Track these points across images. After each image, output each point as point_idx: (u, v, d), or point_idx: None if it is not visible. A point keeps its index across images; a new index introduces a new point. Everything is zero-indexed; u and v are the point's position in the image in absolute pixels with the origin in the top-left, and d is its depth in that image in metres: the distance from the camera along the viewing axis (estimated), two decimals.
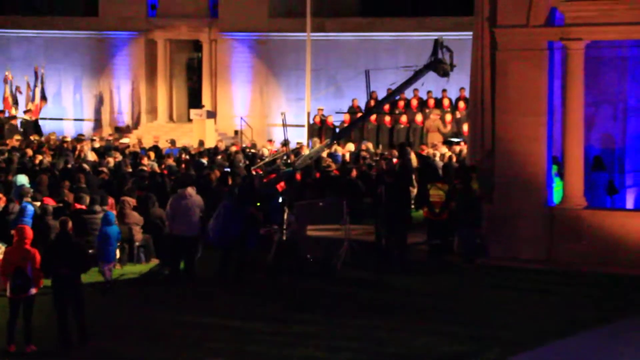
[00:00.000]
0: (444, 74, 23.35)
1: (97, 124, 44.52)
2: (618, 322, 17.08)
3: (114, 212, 21.57)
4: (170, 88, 44.21)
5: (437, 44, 23.36)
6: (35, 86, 41.87)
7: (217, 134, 40.19)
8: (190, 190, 20.29)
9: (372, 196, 23.56)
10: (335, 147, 30.73)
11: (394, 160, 28.74)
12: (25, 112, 40.95)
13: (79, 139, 35.11)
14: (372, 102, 36.89)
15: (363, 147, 32.32)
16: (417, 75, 23.97)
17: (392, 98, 31.39)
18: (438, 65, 23.12)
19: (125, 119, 44.31)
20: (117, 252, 21.34)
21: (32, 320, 15.36)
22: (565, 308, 17.86)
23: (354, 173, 26.93)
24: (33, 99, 41.75)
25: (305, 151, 30.01)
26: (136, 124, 43.97)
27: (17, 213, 21.06)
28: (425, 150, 31.23)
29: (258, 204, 20.82)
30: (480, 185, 22.01)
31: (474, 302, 18.34)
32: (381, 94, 37.37)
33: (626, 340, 16.14)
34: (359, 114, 36.14)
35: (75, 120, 44.41)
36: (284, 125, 25.31)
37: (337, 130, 36.06)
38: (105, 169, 26.88)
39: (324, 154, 28.64)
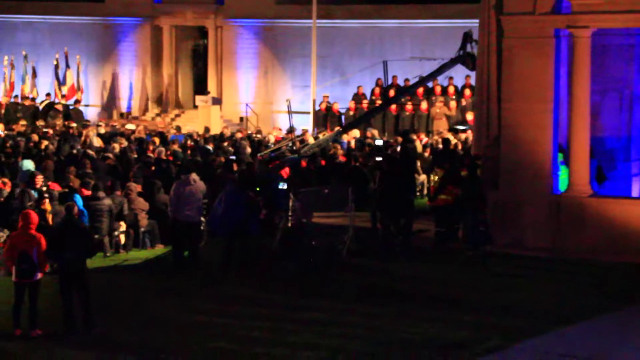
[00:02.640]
0: (473, 67, 23.32)
1: (103, 109, 44.56)
2: (623, 310, 17.09)
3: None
4: (175, 74, 44.21)
5: (466, 37, 23.33)
6: (65, 70, 42.01)
7: (223, 121, 40.20)
8: (194, 176, 20.33)
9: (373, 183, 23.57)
10: None
11: (398, 147, 28.74)
12: (62, 96, 41.20)
13: (84, 124, 35.14)
14: (378, 90, 36.99)
15: (368, 134, 32.32)
16: (444, 67, 23.91)
17: (415, 89, 31.38)
18: (467, 58, 23.08)
19: (133, 105, 44.37)
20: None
21: (38, 305, 15.40)
22: (570, 295, 17.86)
23: (360, 160, 26.91)
24: (64, 83, 41.90)
25: (309, 138, 30.02)
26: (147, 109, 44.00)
27: (20, 198, 21.09)
28: (421, 138, 31.21)
29: (257, 189, 20.93)
30: (486, 173, 21.98)
31: (479, 289, 18.34)
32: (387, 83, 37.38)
33: (631, 328, 16.14)
34: (365, 102, 36.15)
35: (85, 106, 44.42)
36: (289, 112, 25.34)
37: (343, 118, 36.12)
38: (111, 155, 26.91)
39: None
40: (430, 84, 35.25)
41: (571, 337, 15.66)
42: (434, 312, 16.78)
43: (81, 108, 41.37)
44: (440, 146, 29.11)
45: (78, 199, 20.20)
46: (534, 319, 16.34)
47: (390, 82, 36.29)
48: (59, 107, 39.80)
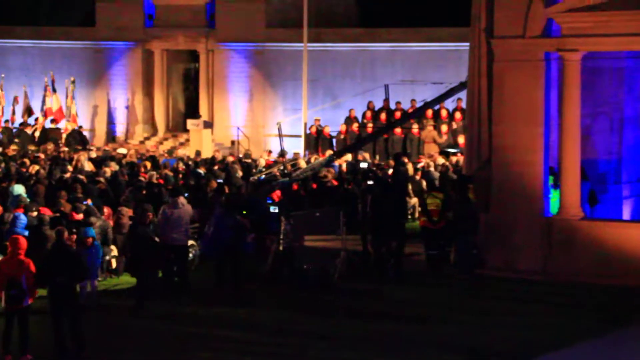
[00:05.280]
0: None
1: (94, 133, 44.55)
2: (615, 332, 17.08)
3: (110, 223, 21.56)
4: (167, 98, 44.24)
5: None
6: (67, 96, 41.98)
7: (214, 144, 40.21)
8: (182, 200, 20.35)
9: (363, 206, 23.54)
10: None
11: (389, 170, 28.75)
12: (52, 121, 41.22)
13: (75, 149, 35.07)
14: (369, 113, 37.05)
15: (360, 157, 32.33)
16: (452, 92, 23.85)
17: (421, 112, 31.41)
18: None
19: (122, 129, 44.36)
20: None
21: (28, 330, 15.32)
22: (562, 318, 17.85)
23: (351, 184, 26.90)
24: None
25: (301, 162, 30.03)
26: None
27: (10, 223, 21.03)
28: (420, 161, 31.23)
29: (244, 212, 20.94)
30: (477, 195, 22.00)
31: (471, 312, 18.32)
32: (377, 105, 37.45)
33: (623, 350, 16.13)
34: (355, 125, 36.18)
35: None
36: (280, 135, 25.35)
37: (334, 141, 36.16)
38: (102, 179, 26.86)
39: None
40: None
41: (564, 359, 15.68)
42: (426, 336, 16.74)
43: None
44: (432, 169, 29.17)
45: (91, 231, 19.94)
46: (526, 342, 16.32)
47: (393, 106, 36.42)
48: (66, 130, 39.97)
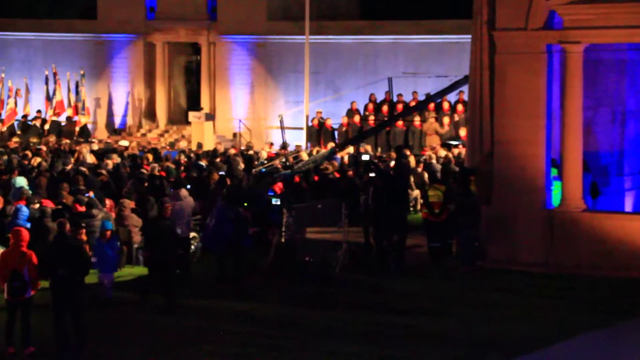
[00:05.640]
0: None
1: (96, 126, 44.59)
2: (617, 325, 17.08)
3: (112, 215, 21.59)
4: (168, 91, 44.23)
5: None
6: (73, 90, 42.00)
7: (216, 137, 40.23)
8: (184, 192, 20.36)
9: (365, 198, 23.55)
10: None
11: (392, 162, 28.76)
12: (55, 113, 41.25)
13: (77, 141, 35.08)
14: (371, 105, 37.06)
15: (362, 149, 32.35)
16: (456, 85, 23.83)
17: (424, 105, 31.42)
18: None
19: (126, 122, 44.38)
20: None
21: (31, 322, 15.34)
22: (564, 311, 17.85)
23: (353, 175, 26.90)
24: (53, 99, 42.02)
25: (303, 155, 30.05)
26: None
27: (12, 215, 21.05)
28: (424, 152, 31.25)
29: (245, 204, 20.96)
30: (479, 188, 21.99)
31: (472, 305, 18.32)
32: (379, 97, 37.44)
33: (626, 343, 16.14)
34: (357, 117, 36.16)
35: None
36: (282, 127, 25.36)
37: (336, 133, 36.18)
38: (104, 171, 26.88)
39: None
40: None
41: (566, 352, 15.66)
42: (428, 328, 16.75)
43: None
44: (434, 161, 29.22)
45: (109, 224, 19.90)
46: (528, 334, 16.33)
47: (394, 98, 36.44)
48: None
